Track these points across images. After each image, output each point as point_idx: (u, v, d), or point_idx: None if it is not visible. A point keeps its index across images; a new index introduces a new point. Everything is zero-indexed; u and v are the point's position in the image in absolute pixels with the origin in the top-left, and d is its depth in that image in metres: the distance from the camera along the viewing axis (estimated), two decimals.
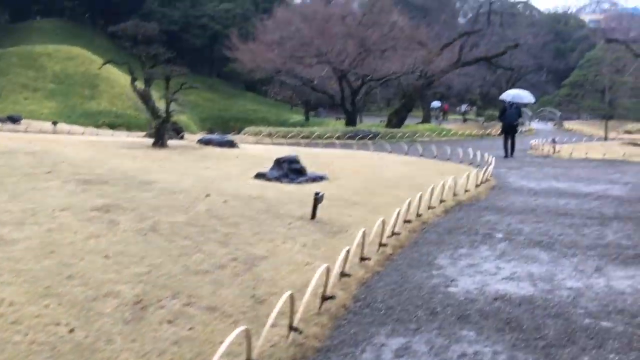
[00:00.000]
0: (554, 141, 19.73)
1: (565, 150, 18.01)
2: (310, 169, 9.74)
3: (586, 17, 65.89)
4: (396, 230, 6.11)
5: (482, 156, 14.37)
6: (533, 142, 21.22)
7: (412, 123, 39.12)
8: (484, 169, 10.98)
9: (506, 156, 17.13)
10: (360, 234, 4.89)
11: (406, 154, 16.09)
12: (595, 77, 40.99)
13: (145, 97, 10.45)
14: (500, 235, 6.50)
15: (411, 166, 11.95)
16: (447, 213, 7.82)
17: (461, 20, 59.81)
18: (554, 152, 17.82)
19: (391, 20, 29.82)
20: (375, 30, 28.19)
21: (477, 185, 9.83)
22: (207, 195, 6.70)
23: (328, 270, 3.93)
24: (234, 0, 57.75)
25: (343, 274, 4.55)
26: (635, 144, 20.07)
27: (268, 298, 4.02)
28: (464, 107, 53.07)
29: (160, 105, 11.08)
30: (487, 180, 10.73)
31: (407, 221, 6.62)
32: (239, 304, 3.88)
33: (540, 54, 58.00)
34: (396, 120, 31.09)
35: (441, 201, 8.08)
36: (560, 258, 5.53)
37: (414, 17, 42.21)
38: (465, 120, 45.19)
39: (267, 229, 5.72)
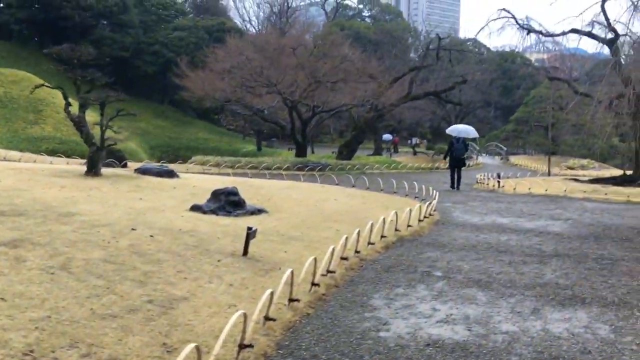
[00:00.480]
0: (498, 176, 20.00)
1: (509, 185, 18.25)
2: (251, 201, 9.43)
3: (532, 56, 68.43)
4: (331, 268, 5.84)
5: (428, 190, 14.36)
6: (479, 176, 21.49)
7: (363, 155, 39.34)
8: (427, 203, 10.90)
9: (452, 187, 17.51)
10: (287, 273, 4.59)
11: (353, 186, 15.96)
12: (539, 113, 42.28)
13: (78, 123, 9.96)
14: (439, 274, 6.31)
15: (356, 199, 11.77)
16: (388, 249, 7.61)
17: (412, 55, 61.25)
18: (499, 186, 18.03)
19: (342, 52, 30.13)
20: (326, 62, 28.37)
21: (420, 220, 9.71)
22: (133, 229, 6.29)
23: (245, 316, 3.61)
24: (188, 29, 57.50)
25: (267, 318, 4.23)
26: (576, 180, 20.55)
27: (181, 347, 3.65)
28: (414, 140, 53.90)
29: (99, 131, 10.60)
30: (431, 214, 10.65)
31: (344, 258, 6.36)
32: (145, 354, 3.50)
33: (488, 90, 59.83)
34: (347, 152, 31.15)
35: (382, 237, 7.88)
36: (498, 299, 5.36)
37: (365, 50, 42.91)
38: (415, 153, 45.80)
39: (193, 266, 5.36)
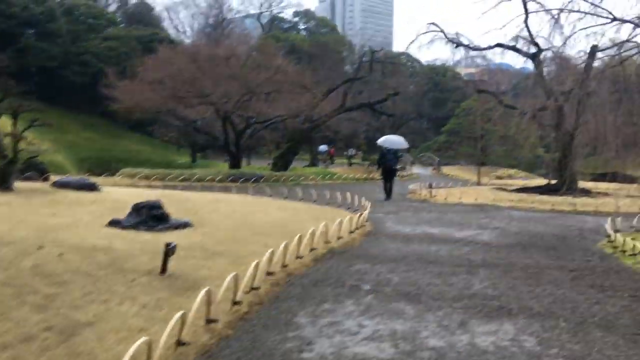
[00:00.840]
0: (430, 186, 20.28)
1: (441, 194, 18.51)
2: (177, 215, 9.02)
3: (462, 70, 70.48)
4: (255, 284, 5.56)
5: (360, 200, 14.31)
6: (412, 186, 21.72)
7: (299, 166, 39.18)
8: (359, 214, 10.80)
9: (387, 199, 17.67)
10: (203, 292, 4.29)
11: (286, 198, 15.73)
12: (469, 125, 43.51)
13: None
14: (367, 287, 6.14)
15: (288, 211, 11.53)
16: (317, 262, 7.40)
17: (347, 67, 61.86)
18: (431, 196, 18.24)
19: (276, 64, 29.93)
20: (260, 73, 28.09)
21: (351, 232, 9.57)
22: (40, 248, 5.80)
23: (150, 343, 3.29)
24: (119, 38, 55.84)
25: (180, 343, 3.91)
26: (504, 189, 21.12)
27: None
28: (351, 151, 54.25)
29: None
30: (362, 225, 10.54)
31: (270, 273, 6.10)
32: None
33: (421, 102, 61.21)
34: (282, 163, 30.89)
35: (312, 249, 7.67)
36: (426, 312, 5.23)
37: (300, 62, 42.94)
38: (351, 164, 46.08)
39: (104, 287, 4.96)
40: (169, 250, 5.70)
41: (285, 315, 5.07)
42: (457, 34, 24.04)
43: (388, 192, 17.81)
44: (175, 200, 11.04)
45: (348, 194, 15.33)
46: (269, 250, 6.13)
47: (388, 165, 17.84)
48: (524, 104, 22.23)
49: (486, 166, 42.27)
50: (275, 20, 76.58)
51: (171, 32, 66.39)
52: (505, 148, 42.60)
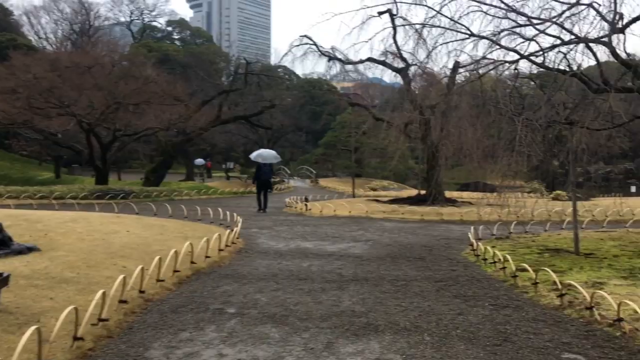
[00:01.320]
0: (306, 199, 20.27)
1: (316, 207, 18.53)
2: (23, 238, 8.11)
3: (338, 84, 72.27)
4: (105, 315, 4.99)
5: (233, 216, 13.89)
6: (288, 199, 21.60)
7: (174, 180, 37.81)
8: (230, 230, 10.39)
9: (260, 210, 18.21)
10: (29, 333, 3.69)
11: (155, 214, 14.91)
12: (345, 138, 44.49)
13: None
14: (232, 310, 5.76)
15: (154, 230, 10.82)
16: (181, 285, 6.90)
17: (224, 79, 61.08)
18: (306, 210, 18.21)
19: (146, 74, 28.63)
20: (127, 83, 26.68)
21: (221, 250, 9.14)
22: None
23: None
24: None
25: None
26: (377, 200, 21.62)
27: None
28: (228, 165, 53.43)
29: None
30: (233, 242, 10.15)
31: (123, 301, 5.53)
32: None
33: (298, 115, 61.77)
34: (154, 177, 29.57)
35: (175, 271, 7.15)
36: (292, 335, 4.96)
37: (174, 72, 41.62)
38: (228, 177, 45.35)
39: None
40: (1, 281, 4.96)
41: (136, 349, 4.56)
42: (332, 48, 24.36)
43: (264, 204, 18.43)
44: (24, 221, 9.98)
45: (220, 210, 14.84)
46: (120, 277, 5.57)
47: (264, 178, 18.13)
48: (394, 117, 22.98)
49: (362, 178, 43.44)
50: (147, 29, 73.92)
51: (32, 38, 61.71)
52: (379, 160, 44.03)
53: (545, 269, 6.89)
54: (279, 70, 67.11)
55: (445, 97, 19.01)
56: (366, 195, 28.04)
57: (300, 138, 67.02)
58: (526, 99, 15.71)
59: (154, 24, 76.48)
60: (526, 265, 7.10)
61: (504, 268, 7.69)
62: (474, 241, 10.00)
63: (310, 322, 5.35)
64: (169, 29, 77.85)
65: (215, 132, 38.10)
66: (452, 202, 20.95)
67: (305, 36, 23.26)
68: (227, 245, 9.56)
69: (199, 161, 48.75)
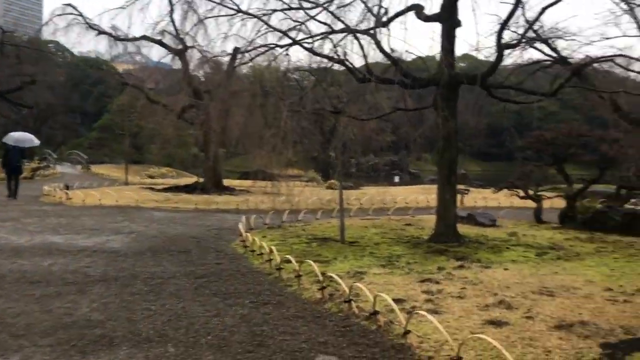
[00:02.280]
0: (67, 187, 18.19)
1: (79, 196, 16.64)
2: None
3: (120, 66, 67.77)
4: None
5: None
6: (47, 187, 19.07)
7: None
8: None
9: (9, 196, 16.28)
10: None
11: None
12: (123, 121, 41.58)
13: None
14: None
15: None
16: None
17: None
18: (67, 198, 16.24)
19: None
20: None
21: None
22: None
23: None
24: None
25: None
26: (151, 189, 20.31)
27: None
28: None
29: None
30: None
31: None
32: None
33: (70, 95, 56.47)
34: None
35: None
36: None
37: None
38: None
39: None
40: None
41: None
42: (114, 26, 21.84)
43: (13, 191, 16.40)
44: None
45: None
46: None
47: (12, 163, 15.73)
48: (173, 101, 21.81)
49: (142, 164, 41.10)
50: None
51: None
52: (160, 146, 41.94)
53: (309, 260, 6.66)
54: (50, 45, 60.54)
55: (225, 82, 18.46)
56: (141, 183, 26.29)
57: (74, 120, 61.35)
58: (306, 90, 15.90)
59: None
60: (290, 257, 6.81)
61: (270, 260, 7.34)
62: (243, 232, 9.57)
63: (27, 339, 4.31)
64: None
65: None
66: (230, 190, 20.55)
67: (69, 5, 20.71)
68: None
69: None
